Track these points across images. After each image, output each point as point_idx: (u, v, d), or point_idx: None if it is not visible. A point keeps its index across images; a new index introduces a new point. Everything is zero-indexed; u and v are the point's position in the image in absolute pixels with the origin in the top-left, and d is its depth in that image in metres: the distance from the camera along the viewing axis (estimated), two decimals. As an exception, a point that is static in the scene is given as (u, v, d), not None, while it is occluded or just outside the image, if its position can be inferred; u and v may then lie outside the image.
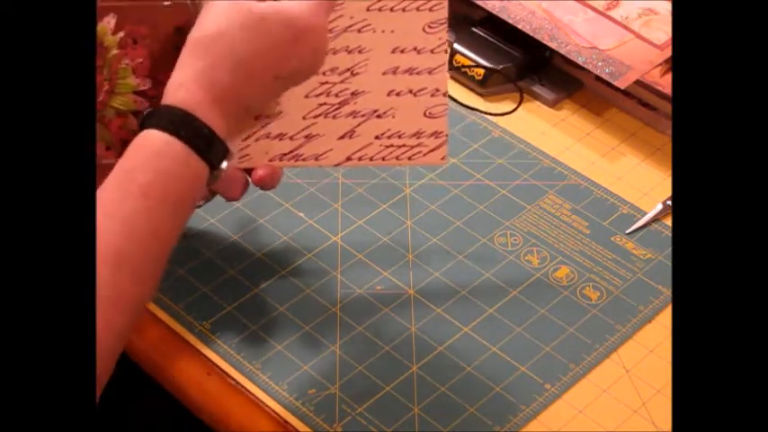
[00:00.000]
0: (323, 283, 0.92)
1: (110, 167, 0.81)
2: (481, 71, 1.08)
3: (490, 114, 1.05)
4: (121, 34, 0.80)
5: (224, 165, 0.77)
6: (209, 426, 0.85)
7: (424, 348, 0.88)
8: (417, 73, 0.86)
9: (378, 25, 0.85)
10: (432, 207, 0.98)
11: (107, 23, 0.80)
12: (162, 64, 0.82)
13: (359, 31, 0.85)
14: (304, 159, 0.86)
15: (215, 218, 0.96)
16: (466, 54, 1.09)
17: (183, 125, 0.74)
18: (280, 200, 0.98)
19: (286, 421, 0.83)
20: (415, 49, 0.86)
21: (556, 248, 0.95)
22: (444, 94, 0.86)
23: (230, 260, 0.94)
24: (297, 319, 0.89)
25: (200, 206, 0.88)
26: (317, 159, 0.86)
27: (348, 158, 0.87)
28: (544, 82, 1.09)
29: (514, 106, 1.07)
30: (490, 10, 1.09)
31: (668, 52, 1.04)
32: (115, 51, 0.81)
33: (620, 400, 0.85)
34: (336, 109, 0.86)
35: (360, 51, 0.85)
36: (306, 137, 0.86)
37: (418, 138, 0.87)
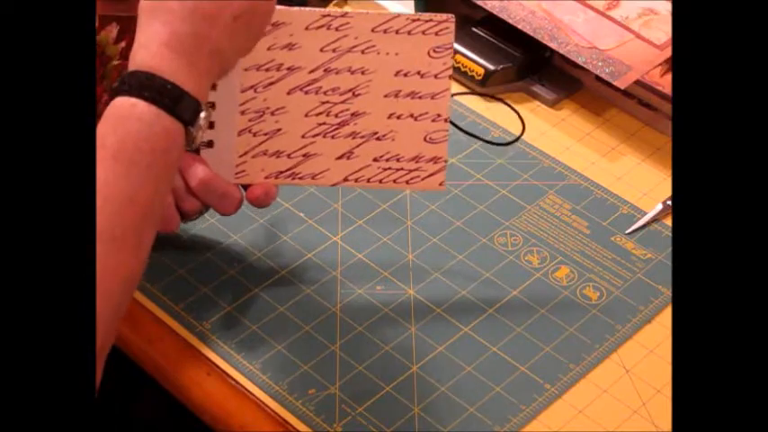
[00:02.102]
0: (323, 283, 0.92)
1: None
2: (481, 71, 1.08)
3: (493, 144, 1.04)
4: (123, 44, 0.80)
5: (201, 119, 0.75)
6: (209, 426, 0.85)
7: (424, 348, 0.88)
8: (419, 97, 0.86)
9: (382, 47, 0.85)
10: (432, 207, 0.98)
11: (109, 33, 0.80)
12: None
13: (363, 52, 0.85)
14: (301, 178, 0.86)
15: (215, 218, 0.96)
16: (466, 54, 1.09)
17: (146, 86, 0.73)
18: (280, 200, 0.98)
19: (286, 421, 0.83)
20: (418, 73, 0.85)
21: (556, 248, 0.95)
22: (446, 120, 0.86)
23: (230, 260, 0.94)
24: (297, 319, 0.89)
25: (194, 219, 0.88)
26: (313, 178, 0.86)
27: (345, 179, 0.87)
28: (544, 82, 1.09)
29: (515, 114, 1.07)
30: (490, 10, 1.09)
31: (668, 52, 1.04)
32: (116, 62, 0.81)
33: (620, 400, 0.85)
34: (336, 129, 0.86)
35: (363, 72, 0.85)
36: (304, 155, 0.86)
37: (417, 162, 0.87)
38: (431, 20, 0.85)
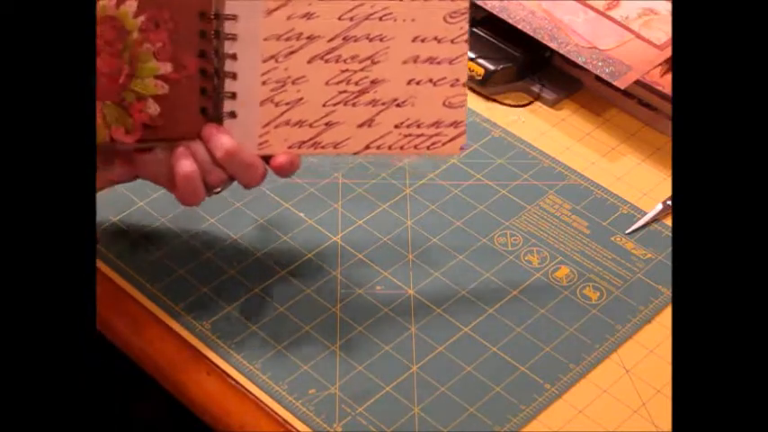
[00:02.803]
0: (323, 283, 0.92)
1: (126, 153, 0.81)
2: (481, 71, 1.08)
3: (508, 105, 1.04)
4: (143, 18, 0.80)
5: None
6: (210, 425, 0.85)
7: (424, 348, 0.88)
8: (438, 62, 0.86)
9: (399, 14, 0.85)
10: (432, 207, 0.98)
11: (129, 7, 0.80)
12: (184, 48, 0.82)
13: (380, 19, 0.85)
14: (323, 147, 0.86)
15: (215, 218, 0.96)
16: (466, 54, 1.09)
17: None
18: (280, 200, 0.98)
19: (286, 421, 0.83)
20: (435, 38, 0.85)
21: (556, 248, 0.95)
22: (464, 85, 0.86)
23: (230, 260, 0.94)
24: (297, 319, 0.89)
25: (217, 192, 0.88)
26: (336, 147, 0.86)
27: (367, 147, 0.87)
28: (544, 82, 1.09)
29: (518, 108, 1.07)
30: (490, 10, 1.09)
31: (668, 52, 1.04)
32: (136, 35, 0.81)
33: (620, 400, 0.85)
34: (356, 97, 0.86)
35: (381, 39, 0.85)
36: (326, 124, 0.86)
37: (437, 127, 0.86)
38: None
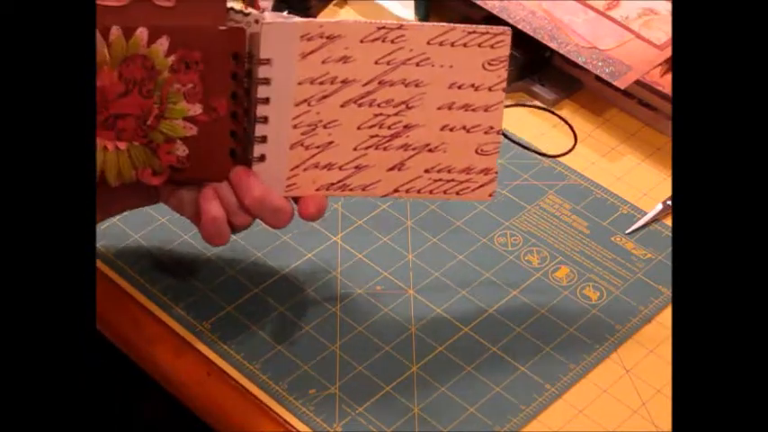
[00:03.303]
0: (323, 283, 0.92)
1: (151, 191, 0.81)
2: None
3: (546, 155, 1.02)
4: (173, 58, 0.79)
5: None
6: (209, 426, 0.85)
7: (424, 348, 0.88)
8: (473, 110, 0.84)
9: (437, 60, 0.84)
10: (432, 207, 0.98)
11: (160, 45, 0.79)
12: (216, 90, 0.81)
13: (417, 64, 0.84)
14: (351, 189, 0.85)
15: (215, 218, 0.96)
16: (466, 54, 1.09)
17: None
18: (280, 200, 0.97)
19: (286, 421, 0.83)
20: (472, 85, 0.84)
21: (556, 248, 0.95)
22: (498, 132, 0.85)
23: (230, 260, 0.94)
24: (297, 319, 0.89)
25: (241, 231, 0.87)
26: (364, 190, 0.86)
27: (396, 190, 0.86)
28: (544, 82, 1.09)
29: (520, 108, 1.07)
30: (490, 10, 1.09)
31: (668, 52, 1.04)
32: (166, 74, 0.80)
33: (620, 400, 0.85)
34: (388, 141, 0.85)
35: (417, 85, 0.84)
36: (355, 167, 0.85)
37: (468, 173, 0.86)
38: (487, 32, 0.83)
